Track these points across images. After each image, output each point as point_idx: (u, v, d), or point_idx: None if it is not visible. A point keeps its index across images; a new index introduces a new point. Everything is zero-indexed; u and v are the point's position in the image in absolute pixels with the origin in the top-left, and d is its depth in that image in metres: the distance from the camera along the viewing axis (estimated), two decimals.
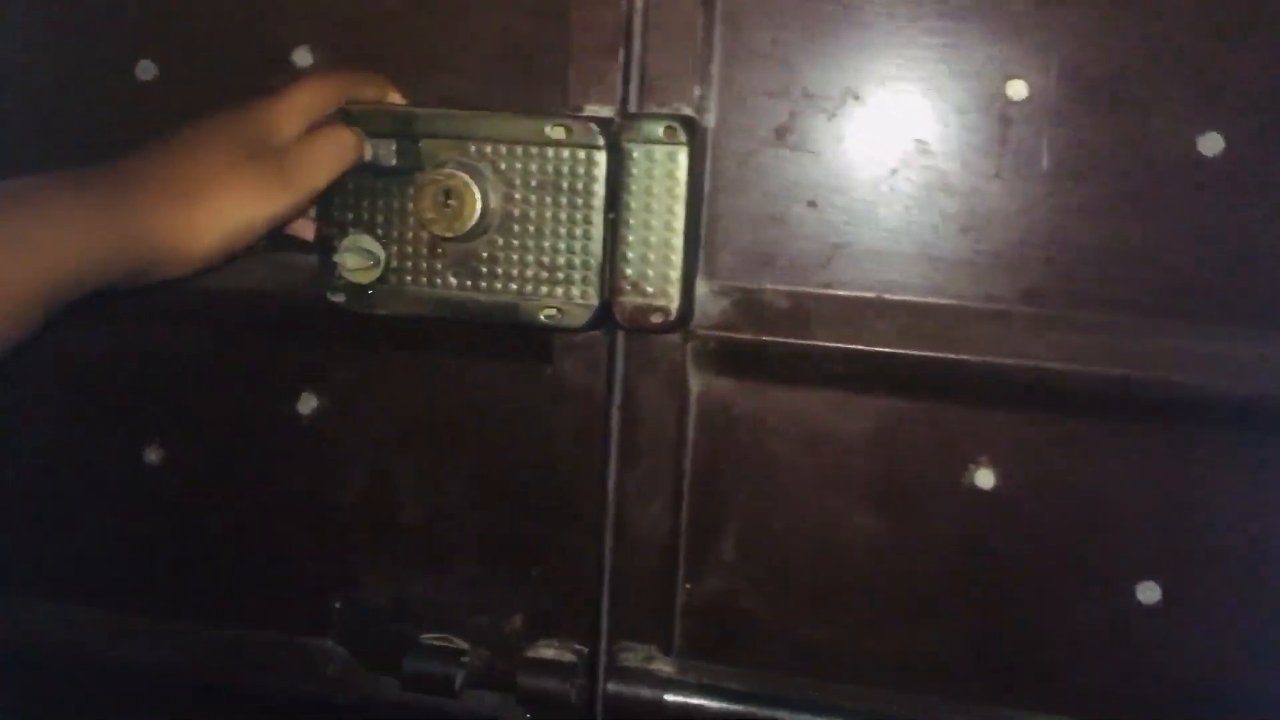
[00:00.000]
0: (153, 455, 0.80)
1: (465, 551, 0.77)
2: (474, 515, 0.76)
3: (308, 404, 0.77)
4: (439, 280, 0.68)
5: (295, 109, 0.63)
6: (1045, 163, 0.66)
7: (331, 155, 0.63)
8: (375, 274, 0.68)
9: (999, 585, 0.70)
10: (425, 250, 0.68)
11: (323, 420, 0.77)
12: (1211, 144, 0.63)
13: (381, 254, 0.67)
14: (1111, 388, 0.66)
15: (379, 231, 0.68)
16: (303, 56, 0.74)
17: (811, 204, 0.69)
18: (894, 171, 0.68)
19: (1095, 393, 0.67)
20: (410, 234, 0.68)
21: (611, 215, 0.66)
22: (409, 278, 0.68)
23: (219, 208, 0.57)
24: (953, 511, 0.70)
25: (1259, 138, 0.63)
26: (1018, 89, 0.65)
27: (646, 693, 0.72)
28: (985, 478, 0.69)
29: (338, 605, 0.79)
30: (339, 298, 0.69)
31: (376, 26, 0.72)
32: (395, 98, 0.68)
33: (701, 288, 0.70)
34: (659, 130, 0.64)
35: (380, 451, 0.77)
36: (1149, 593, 0.68)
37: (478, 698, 0.76)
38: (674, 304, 0.66)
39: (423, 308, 0.68)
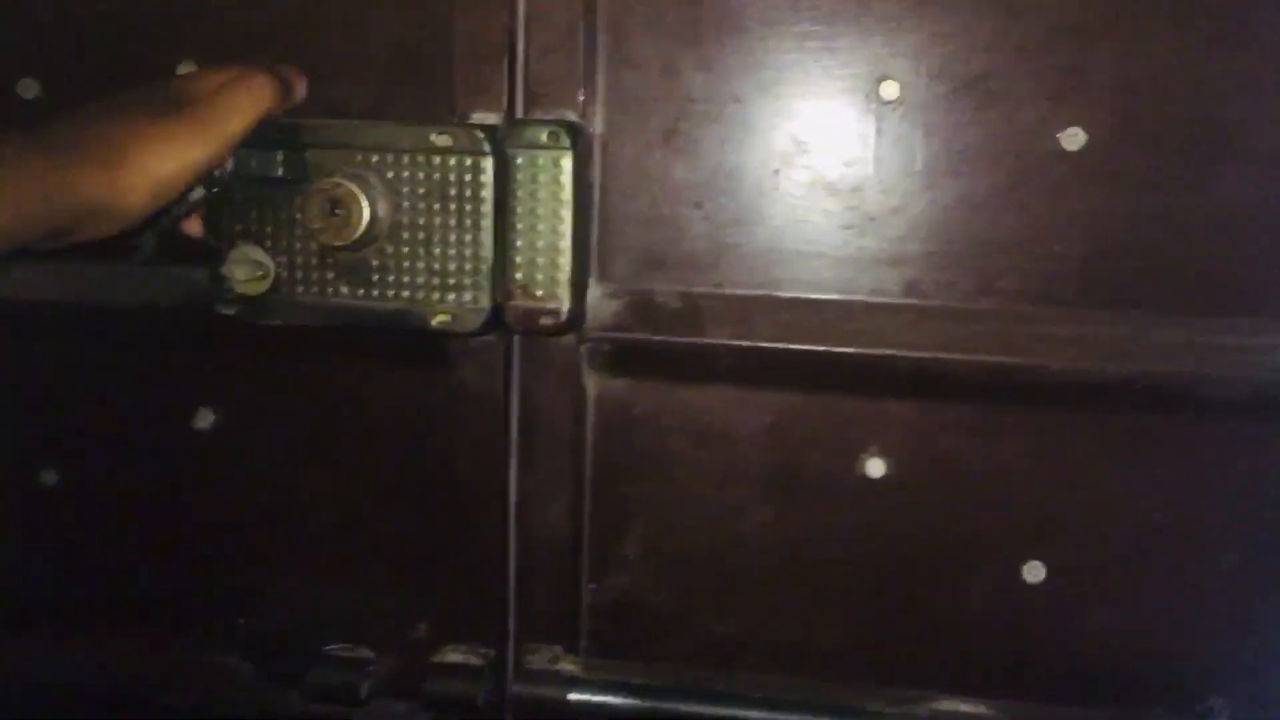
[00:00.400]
0: (49, 477, 0.78)
1: (370, 560, 0.77)
2: (377, 524, 0.76)
3: (205, 419, 0.77)
4: (330, 289, 0.68)
5: (206, 75, 0.64)
6: (919, 160, 0.68)
7: (246, 100, 0.63)
8: (265, 285, 0.68)
9: (893, 570, 0.72)
10: (315, 260, 0.68)
11: (221, 434, 0.77)
12: (1073, 139, 0.66)
13: (271, 265, 0.67)
14: (990, 374, 0.69)
15: (268, 243, 0.68)
16: (188, 69, 0.73)
17: (698, 205, 0.70)
18: (777, 172, 0.69)
19: (976, 380, 0.69)
20: (299, 244, 0.68)
21: (500, 220, 0.66)
22: (300, 288, 0.68)
23: (142, 161, 0.58)
24: (846, 500, 0.72)
25: (1117, 131, 0.66)
26: (890, 89, 0.68)
27: (553, 692, 0.73)
28: (876, 466, 0.71)
29: (242, 621, 0.78)
30: (230, 310, 0.69)
31: (262, 39, 0.72)
32: (300, 89, 0.68)
33: (595, 290, 0.71)
34: (542, 136, 0.65)
35: (281, 463, 0.77)
36: (1035, 572, 0.71)
37: (385, 706, 0.76)
38: (564, 306, 0.67)
39: (315, 317, 0.68)
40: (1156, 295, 0.67)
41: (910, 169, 0.68)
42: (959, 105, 0.67)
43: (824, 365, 0.70)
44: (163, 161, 0.59)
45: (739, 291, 0.71)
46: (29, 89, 0.74)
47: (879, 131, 0.68)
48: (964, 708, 0.72)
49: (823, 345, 0.70)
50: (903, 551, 0.72)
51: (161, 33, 0.73)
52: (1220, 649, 0.70)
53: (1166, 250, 0.66)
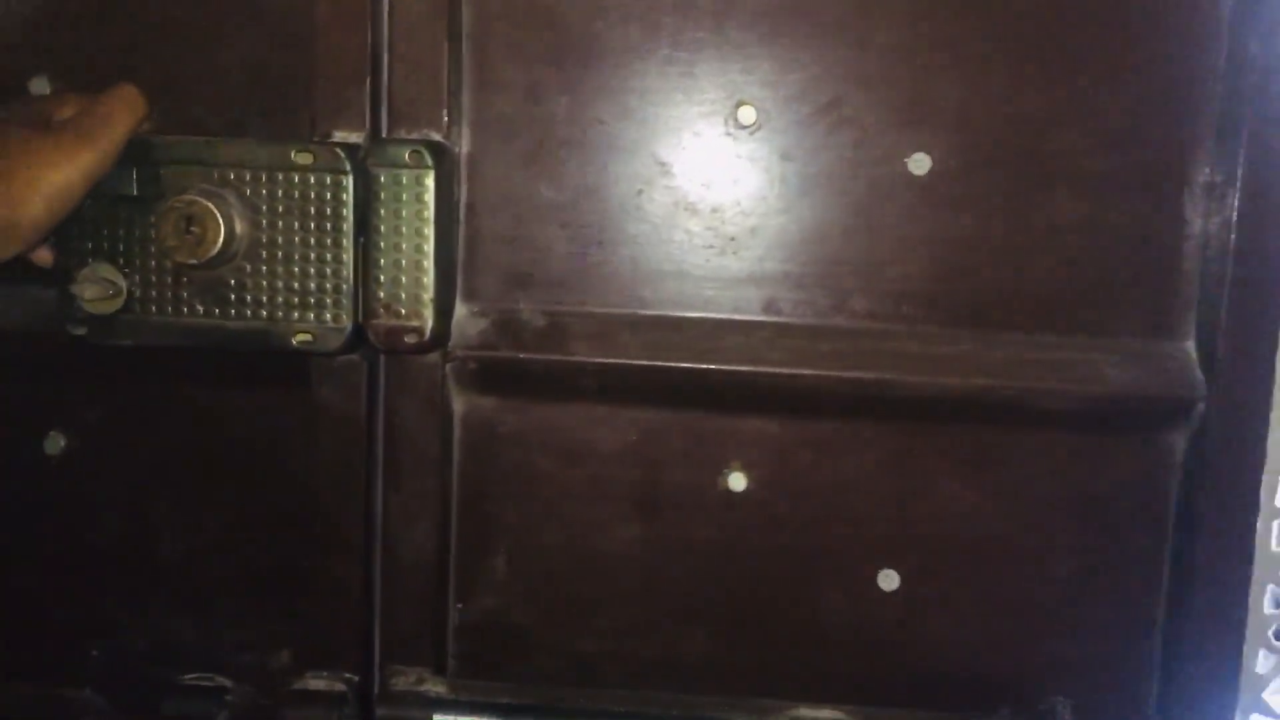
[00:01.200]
0: None
1: (229, 587, 0.75)
2: (236, 549, 0.75)
3: (55, 443, 0.74)
4: (185, 308, 0.67)
5: (68, 97, 0.65)
6: (776, 183, 0.70)
7: (121, 108, 0.64)
8: (117, 304, 0.66)
9: (756, 582, 0.74)
10: (170, 279, 0.67)
11: (72, 459, 0.74)
12: (919, 164, 0.69)
13: (123, 283, 0.66)
14: (845, 390, 0.71)
15: (120, 261, 0.66)
16: (40, 86, 0.71)
17: (563, 225, 0.71)
18: (639, 193, 0.71)
19: (831, 395, 0.71)
20: (153, 262, 0.66)
21: (362, 239, 0.66)
22: (154, 307, 0.67)
23: (31, 177, 0.58)
24: (709, 515, 0.73)
25: (959, 157, 0.69)
26: (747, 114, 0.70)
27: (418, 715, 0.73)
28: (737, 481, 0.73)
29: (95, 653, 0.76)
30: (80, 330, 0.67)
31: (117, 55, 0.71)
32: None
33: (461, 309, 0.72)
34: (404, 155, 0.66)
35: (135, 489, 0.75)
36: (889, 580, 0.73)
37: None
38: (427, 325, 0.67)
39: (169, 337, 0.67)
40: (997, 314, 0.70)
41: (768, 191, 0.70)
42: (813, 130, 0.70)
43: (687, 382, 0.72)
44: (55, 170, 0.59)
45: (603, 310, 0.72)
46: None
47: (737, 154, 0.70)
48: (824, 714, 0.74)
49: (685, 362, 0.72)
50: (764, 564, 0.74)
51: (12, 49, 0.71)
52: (1059, 650, 0.73)
53: (1004, 271, 0.70)
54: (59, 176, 0.59)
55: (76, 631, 0.76)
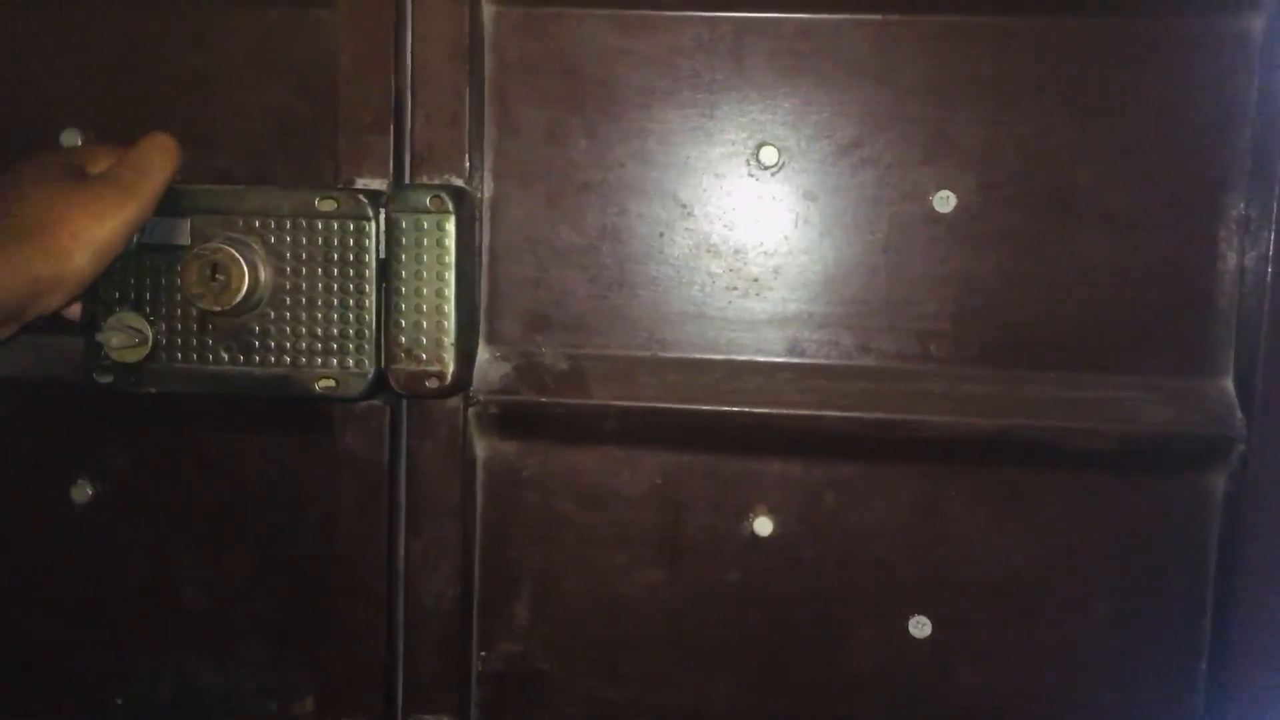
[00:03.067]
0: None
1: (251, 634, 0.75)
2: (258, 596, 0.75)
3: (83, 491, 0.75)
4: (210, 356, 0.67)
5: (101, 149, 0.64)
6: (799, 223, 0.70)
7: (158, 158, 0.63)
8: (143, 352, 0.66)
9: (782, 629, 0.73)
10: (195, 326, 0.67)
11: (99, 507, 0.74)
12: (944, 201, 0.69)
13: (149, 331, 0.66)
14: (871, 431, 0.70)
15: (146, 309, 0.67)
16: (71, 138, 0.73)
17: (584, 268, 0.71)
18: (661, 235, 0.71)
19: (858, 437, 0.70)
20: (179, 310, 0.67)
21: (384, 284, 0.66)
22: (179, 354, 0.67)
23: (76, 228, 0.58)
24: (734, 560, 0.72)
25: (985, 194, 0.68)
26: (769, 155, 0.70)
27: None
28: (764, 525, 0.72)
29: (119, 701, 0.75)
30: (106, 378, 0.67)
31: (145, 105, 0.72)
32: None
33: (483, 353, 0.72)
34: (425, 200, 0.66)
35: (160, 536, 0.75)
36: (920, 627, 0.72)
37: None
38: (449, 369, 0.67)
39: (194, 385, 0.67)
40: (1026, 352, 0.69)
41: (790, 231, 0.70)
42: (836, 169, 0.69)
43: (710, 425, 0.71)
44: (99, 222, 0.59)
45: (625, 352, 0.72)
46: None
47: (759, 195, 0.70)
48: None
49: (708, 405, 0.71)
50: (791, 610, 0.73)
51: (43, 100, 0.72)
52: (1098, 697, 0.71)
53: (1033, 308, 0.69)
54: (103, 229, 0.60)
55: (101, 679, 0.76)
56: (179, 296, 0.66)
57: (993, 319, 0.69)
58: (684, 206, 0.70)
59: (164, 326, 0.67)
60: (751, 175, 0.70)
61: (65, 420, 0.75)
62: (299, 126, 0.71)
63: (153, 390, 0.67)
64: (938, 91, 0.68)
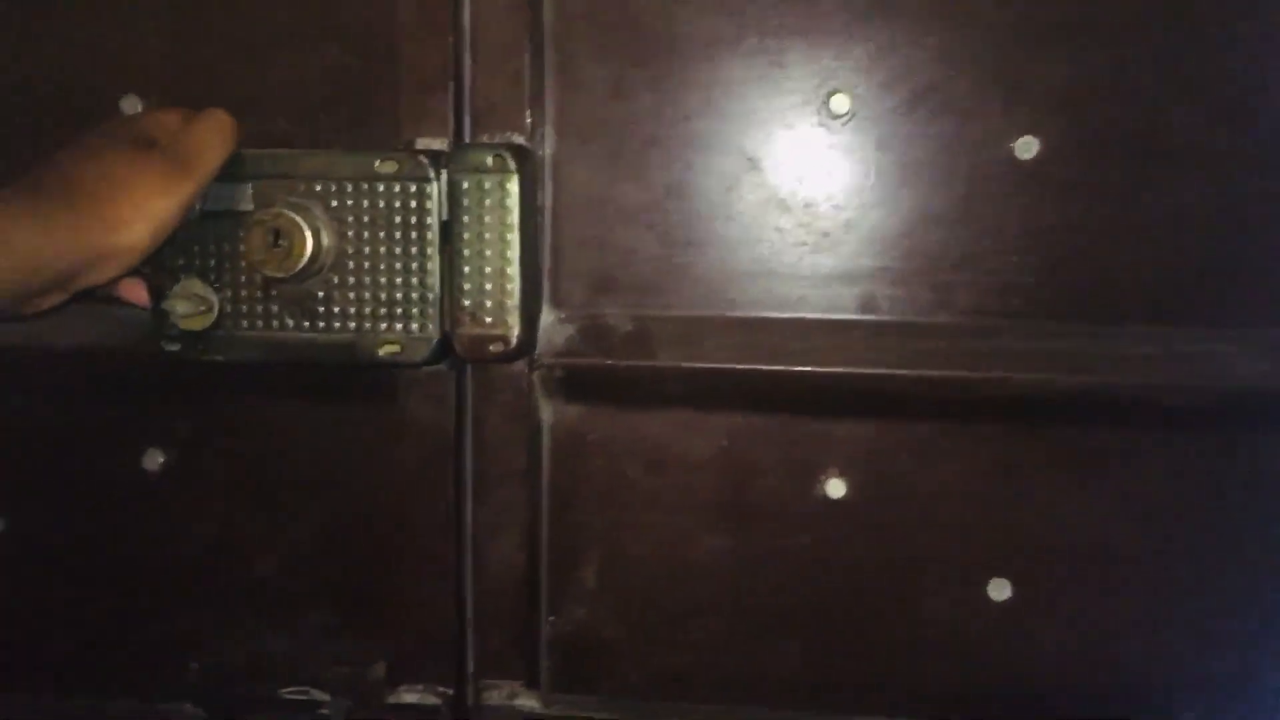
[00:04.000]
0: None
1: (321, 601, 0.75)
2: (328, 562, 0.74)
3: (154, 460, 0.75)
4: (275, 323, 0.66)
5: (165, 116, 0.64)
6: (872, 174, 0.67)
7: (216, 136, 0.63)
8: (209, 320, 0.66)
9: (854, 593, 0.71)
10: (259, 293, 0.66)
11: (169, 475, 0.75)
12: (1026, 148, 0.66)
13: (214, 299, 0.66)
14: (949, 390, 0.68)
15: (211, 276, 0.66)
16: (131, 104, 0.72)
17: (650, 226, 0.69)
18: (729, 190, 0.68)
19: (934, 396, 0.68)
20: (243, 277, 0.66)
21: (447, 247, 0.65)
22: (244, 322, 0.67)
23: (136, 200, 0.58)
24: (804, 523, 0.70)
25: (1069, 139, 0.65)
26: (841, 103, 0.67)
27: None
28: (836, 487, 0.70)
29: (193, 666, 0.76)
30: (174, 347, 0.67)
31: (204, 72, 0.71)
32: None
33: (547, 316, 0.70)
34: (487, 159, 0.64)
35: (229, 503, 0.75)
36: (999, 590, 0.69)
37: None
38: (513, 333, 0.66)
39: (259, 352, 0.67)
40: (1113, 305, 0.66)
41: (863, 183, 0.67)
42: (911, 117, 0.66)
43: (779, 386, 0.69)
44: (158, 197, 0.59)
45: (691, 312, 0.70)
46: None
47: (830, 146, 0.67)
48: None
49: (777, 365, 0.69)
50: (863, 574, 0.71)
51: (103, 68, 0.71)
52: (1185, 663, 0.69)
53: (1122, 259, 0.66)
54: (161, 204, 0.59)
55: (175, 646, 0.77)
56: (242, 263, 0.66)
57: (1078, 271, 0.66)
58: (751, 160, 0.68)
59: (229, 294, 0.66)
60: (822, 125, 0.67)
61: (135, 389, 0.75)
62: (356, 87, 0.70)
63: (219, 358, 0.67)
64: (1017, 31, 0.65)
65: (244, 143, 0.68)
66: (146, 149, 0.61)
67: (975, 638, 0.70)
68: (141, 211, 0.58)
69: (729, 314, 0.69)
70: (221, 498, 0.75)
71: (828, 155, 0.67)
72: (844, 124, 0.67)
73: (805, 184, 0.68)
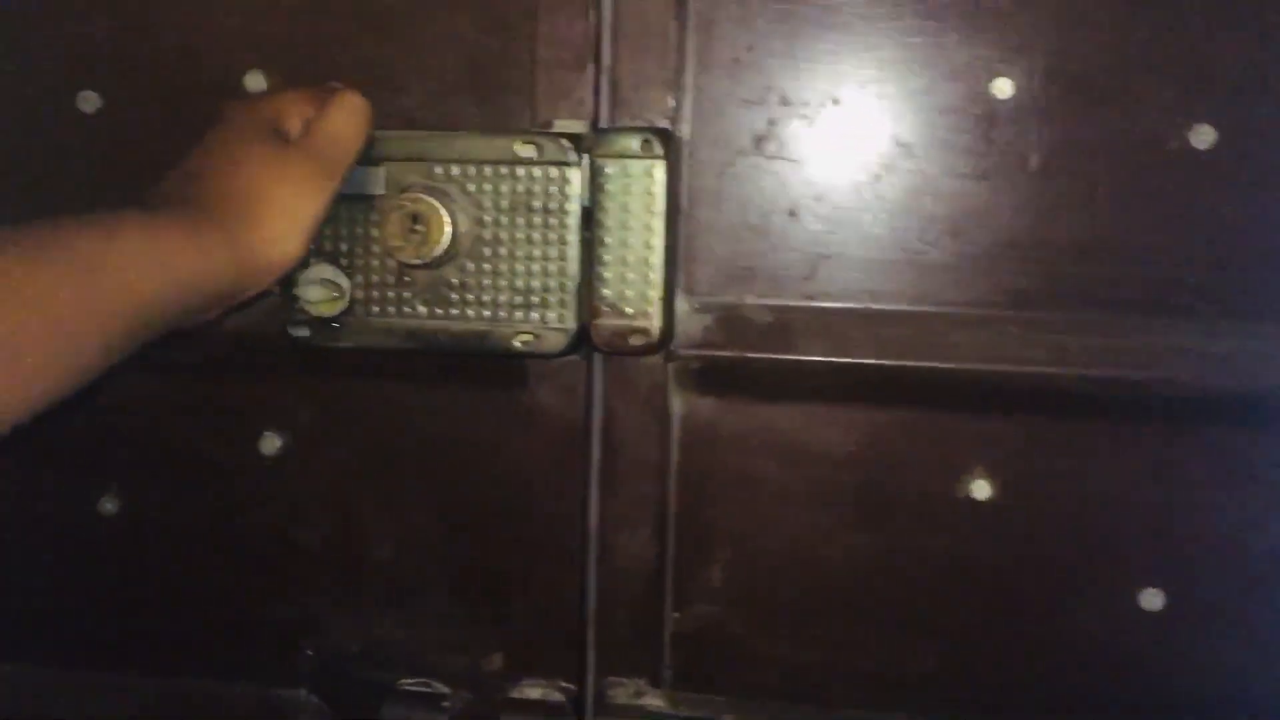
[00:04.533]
0: (109, 505, 0.75)
1: (439, 589, 0.73)
2: (450, 551, 0.73)
3: (271, 444, 0.73)
4: (407, 309, 0.64)
5: (295, 100, 0.61)
6: (1033, 161, 0.64)
7: (352, 124, 0.60)
8: (340, 306, 0.64)
9: (996, 597, 0.68)
10: (392, 279, 0.64)
11: (286, 460, 0.73)
12: (1203, 136, 0.62)
13: (346, 285, 0.64)
14: (1105, 389, 0.65)
15: (342, 261, 0.64)
16: (256, 81, 0.70)
17: (792, 214, 0.66)
18: (877, 177, 0.65)
19: (1088, 395, 0.65)
20: (376, 262, 0.64)
21: (587, 234, 0.63)
22: (375, 308, 0.65)
23: (285, 209, 0.56)
24: (946, 523, 0.68)
25: (1250, 129, 0.61)
26: (1003, 87, 0.63)
27: None
28: (981, 488, 0.67)
29: (309, 653, 0.75)
30: (302, 332, 0.65)
31: (330, 48, 0.69)
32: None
33: (681, 305, 0.68)
34: (635, 144, 0.62)
35: (349, 490, 0.73)
36: (1153, 599, 0.67)
37: None
38: (655, 325, 0.63)
39: (391, 339, 0.65)
40: None
41: (1022, 171, 0.64)
42: (1077, 102, 0.63)
43: (922, 382, 0.66)
44: (306, 201, 0.57)
45: (832, 304, 0.67)
46: (89, 102, 0.70)
47: (989, 132, 0.64)
48: None
49: (921, 361, 0.66)
50: (1008, 577, 0.68)
51: (227, 44, 0.69)
52: None
53: None
54: (309, 208, 0.57)
55: (289, 631, 0.76)
56: (375, 248, 0.64)
57: (1253, 268, 0.63)
58: (904, 146, 0.65)
59: (360, 279, 0.64)
60: (982, 110, 0.64)
61: (254, 372, 0.73)
62: (490, 65, 0.67)
63: (350, 345, 0.65)
64: (1194, 12, 0.61)
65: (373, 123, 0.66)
66: (283, 146, 0.58)
67: (1125, 648, 0.67)
68: (292, 221, 0.56)
69: (874, 306, 0.66)
70: (340, 483, 0.73)
71: (986, 142, 0.64)
72: (1005, 109, 0.64)
73: (958, 171, 0.65)
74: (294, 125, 0.59)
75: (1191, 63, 0.61)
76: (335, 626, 0.75)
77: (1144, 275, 0.64)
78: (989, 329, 0.65)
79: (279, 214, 0.55)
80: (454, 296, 0.64)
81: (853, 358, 0.67)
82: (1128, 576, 0.67)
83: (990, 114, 0.64)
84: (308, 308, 0.64)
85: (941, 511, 0.68)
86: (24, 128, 0.72)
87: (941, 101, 0.64)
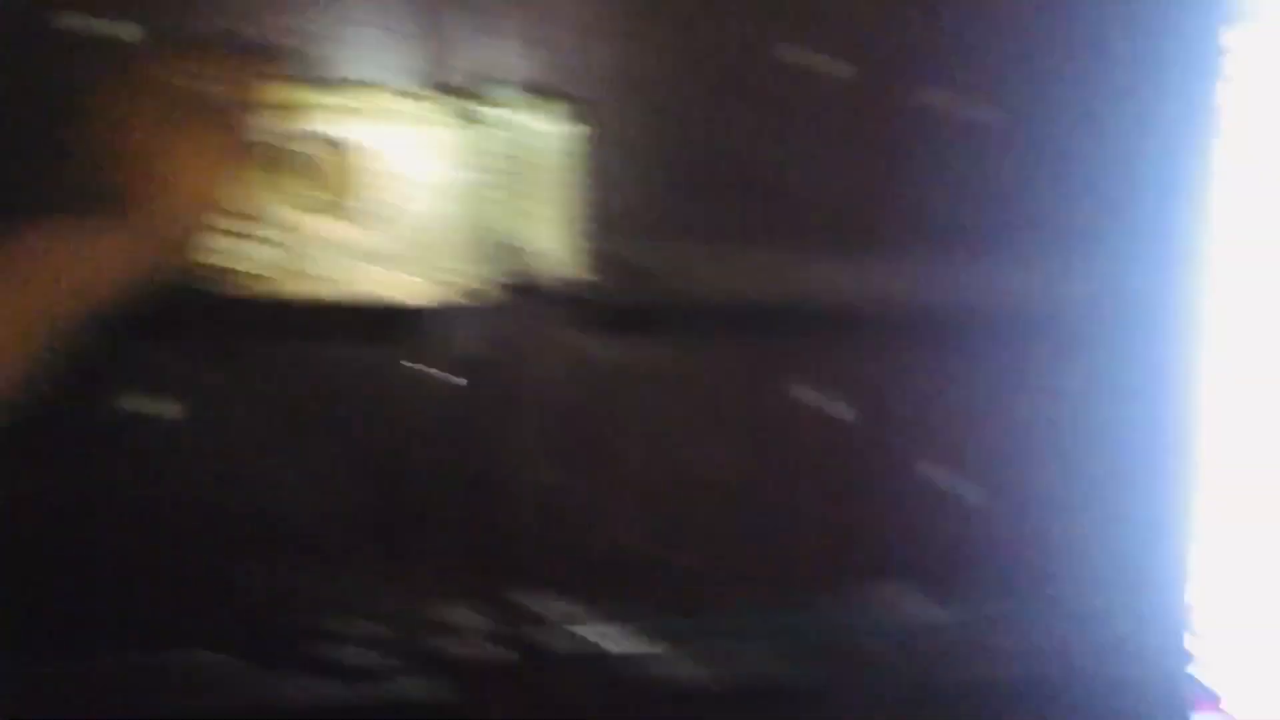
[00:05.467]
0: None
1: (359, 532, 0.75)
2: (362, 497, 0.75)
3: (170, 408, 0.72)
4: (321, 262, 0.65)
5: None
6: None
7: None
8: (252, 260, 0.64)
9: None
10: (306, 232, 0.64)
11: (194, 421, 0.72)
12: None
13: (258, 238, 0.64)
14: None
15: (244, 218, 0.63)
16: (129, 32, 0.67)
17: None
18: None
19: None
20: (288, 215, 0.64)
21: (491, 185, 0.67)
22: (292, 262, 0.64)
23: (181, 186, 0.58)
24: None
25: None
26: None
27: (563, 645, 0.76)
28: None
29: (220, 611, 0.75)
30: (206, 290, 0.64)
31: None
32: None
33: (589, 250, 0.71)
34: (535, 101, 0.67)
35: (255, 446, 0.74)
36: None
37: (397, 681, 0.75)
38: (568, 270, 0.69)
39: (306, 291, 0.65)
40: None
41: None
42: None
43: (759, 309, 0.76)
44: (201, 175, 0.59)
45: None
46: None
47: None
48: None
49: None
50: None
51: None
52: None
53: None
54: (208, 181, 0.60)
55: (205, 592, 0.75)
56: (286, 201, 0.65)
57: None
58: None
59: (274, 233, 0.65)
60: None
61: (162, 335, 0.70)
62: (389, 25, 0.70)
63: (266, 298, 0.65)
64: None
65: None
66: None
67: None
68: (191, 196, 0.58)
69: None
70: (248, 439, 0.74)
71: None
72: None
73: None
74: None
75: None
76: (253, 583, 0.75)
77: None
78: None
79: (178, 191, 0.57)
80: (360, 248, 0.65)
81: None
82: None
83: None
84: (214, 267, 0.63)
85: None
86: None
87: None
